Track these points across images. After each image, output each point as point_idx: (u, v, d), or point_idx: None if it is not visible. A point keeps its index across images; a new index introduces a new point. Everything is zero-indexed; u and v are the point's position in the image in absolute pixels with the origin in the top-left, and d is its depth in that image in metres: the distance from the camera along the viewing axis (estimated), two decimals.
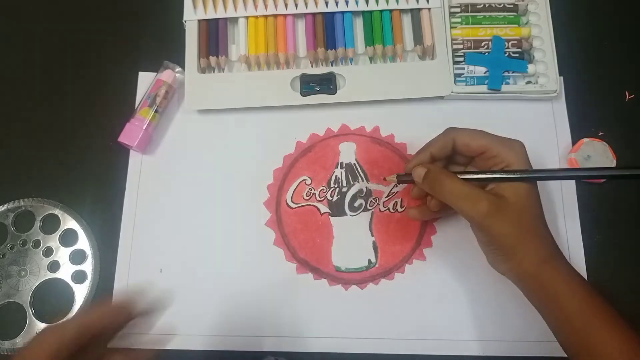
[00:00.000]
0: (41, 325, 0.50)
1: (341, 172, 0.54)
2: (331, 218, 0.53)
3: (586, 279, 0.51)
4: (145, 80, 0.56)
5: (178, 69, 0.55)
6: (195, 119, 0.56)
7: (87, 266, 0.52)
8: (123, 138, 0.53)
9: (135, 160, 0.55)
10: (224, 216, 0.53)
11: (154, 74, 0.56)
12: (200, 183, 0.54)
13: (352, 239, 0.52)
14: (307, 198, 0.54)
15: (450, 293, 0.51)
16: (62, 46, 0.58)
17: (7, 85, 0.57)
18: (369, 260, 0.52)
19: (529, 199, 0.42)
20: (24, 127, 0.56)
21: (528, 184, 0.42)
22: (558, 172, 0.43)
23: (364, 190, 0.54)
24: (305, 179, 0.54)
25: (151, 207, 0.53)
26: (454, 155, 0.46)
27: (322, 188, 0.54)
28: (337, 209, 0.53)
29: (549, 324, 0.42)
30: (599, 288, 0.51)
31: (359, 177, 0.54)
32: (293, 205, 0.53)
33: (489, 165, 0.44)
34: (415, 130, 0.55)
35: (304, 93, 0.54)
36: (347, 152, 0.55)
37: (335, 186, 0.54)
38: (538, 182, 0.43)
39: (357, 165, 0.54)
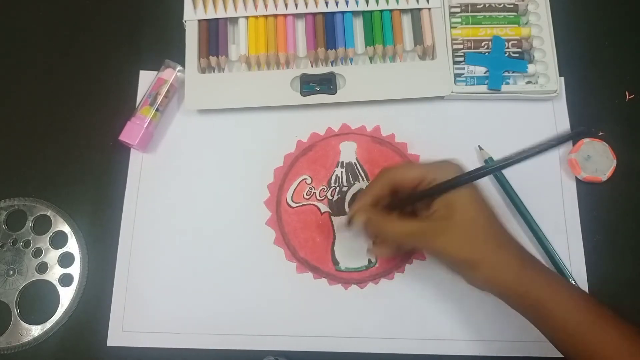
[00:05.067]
0: (25, 326, 0.50)
1: (342, 172, 0.54)
2: (331, 217, 0.53)
3: (586, 279, 0.52)
4: (146, 79, 0.56)
5: (179, 67, 0.56)
6: (196, 118, 0.56)
7: (75, 269, 0.52)
8: (124, 136, 0.53)
9: (135, 159, 0.55)
10: (224, 215, 0.53)
11: (155, 72, 0.56)
12: (201, 182, 0.54)
13: (353, 239, 0.52)
14: (308, 197, 0.54)
15: (449, 293, 0.51)
16: (63, 45, 0.58)
17: (7, 84, 0.57)
18: (369, 260, 0.52)
19: (474, 209, 0.41)
20: (24, 126, 0.56)
21: (468, 196, 0.41)
22: (476, 171, 0.41)
23: None
24: (306, 178, 0.54)
25: (151, 205, 0.53)
26: (397, 192, 0.46)
27: (322, 187, 0.54)
28: (337, 209, 0.53)
29: (541, 330, 0.41)
30: (599, 286, 0.51)
31: (360, 177, 0.54)
32: (293, 205, 0.53)
33: None
34: (416, 130, 0.56)
35: (304, 93, 0.54)
36: (348, 152, 0.55)
37: (336, 185, 0.54)
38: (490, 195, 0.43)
39: (358, 165, 0.54)
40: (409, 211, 0.45)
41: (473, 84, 0.55)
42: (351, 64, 0.56)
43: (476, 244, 0.41)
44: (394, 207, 0.45)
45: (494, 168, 0.40)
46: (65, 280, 0.51)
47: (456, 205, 0.41)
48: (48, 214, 0.53)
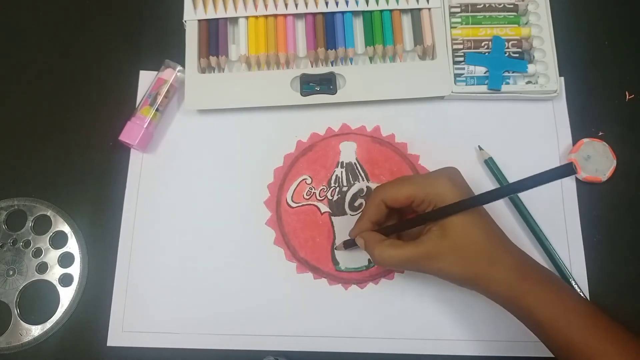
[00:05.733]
0: (25, 326, 0.50)
1: (342, 172, 0.54)
2: (331, 217, 0.53)
3: (586, 279, 0.52)
4: (146, 79, 0.56)
5: (179, 67, 0.56)
6: (196, 118, 0.56)
7: (75, 269, 0.52)
8: (124, 136, 0.53)
9: (135, 159, 0.55)
10: (224, 215, 0.53)
11: (155, 72, 0.56)
12: (201, 182, 0.54)
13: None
14: (308, 197, 0.54)
15: (449, 292, 0.51)
16: (63, 45, 0.58)
17: (7, 84, 0.57)
18: (369, 260, 0.52)
19: (467, 228, 0.41)
20: (24, 126, 0.56)
21: (462, 216, 0.41)
22: (460, 204, 0.41)
23: (365, 189, 0.54)
24: (306, 178, 0.54)
25: (151, 205, 0.53)
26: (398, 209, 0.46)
27: (322, 187, 0.54)
28: (337, 209, 0.53)
29: (539, 339, 0.42)
30: (599, 286, 0.51)
31: (360, 177, 0.54)
32: (293, 205, 0.53)
33: (422, 210, 0.44)
34: (416, 130, 0.56)
35: (304, 93, 0.54)
36: (348, 152, 0.55)
37: (336, 185, 0.54)
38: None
39: (358, 165, 0.54)
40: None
41: (473, 84, 0.55)
42: (351, 64, 0.56)
43: (469, 263, 0.41)
44: (389, 232, 0.46)
45: (487, 198, 0.40)
46: (65, 280, 0.51)
47: (450, 226, 0.42)
48: (48, 214, 0.53)
